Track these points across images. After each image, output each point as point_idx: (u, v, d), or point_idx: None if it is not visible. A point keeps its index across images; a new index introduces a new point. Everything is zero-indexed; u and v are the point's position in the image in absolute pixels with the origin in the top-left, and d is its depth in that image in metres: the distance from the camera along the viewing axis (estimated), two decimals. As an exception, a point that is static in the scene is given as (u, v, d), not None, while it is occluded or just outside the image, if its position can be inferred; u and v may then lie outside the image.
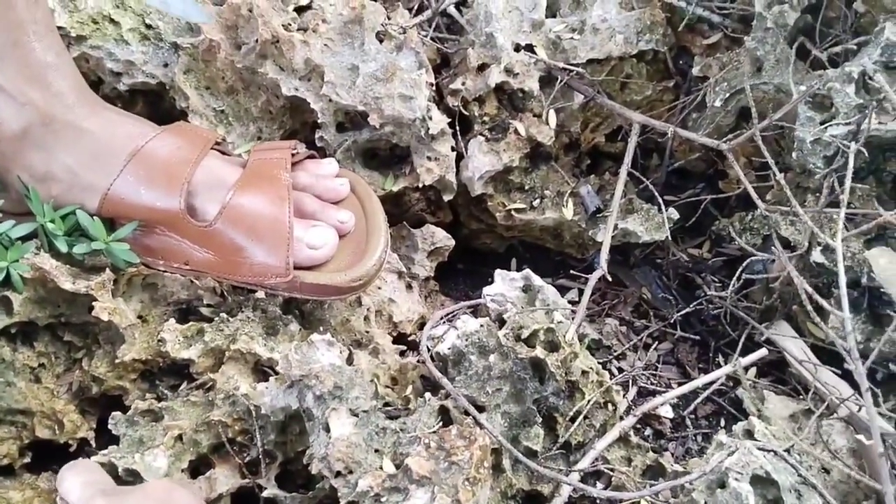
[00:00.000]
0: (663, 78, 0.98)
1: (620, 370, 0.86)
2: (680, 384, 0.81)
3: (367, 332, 0.81)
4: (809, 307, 0.81)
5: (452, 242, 0.92)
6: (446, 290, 0.97)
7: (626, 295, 0.94)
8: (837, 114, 0.80)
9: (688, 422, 0.82)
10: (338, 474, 0.60)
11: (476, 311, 0.82)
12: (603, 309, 0.93)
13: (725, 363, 0.85)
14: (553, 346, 0.71)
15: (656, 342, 0.90)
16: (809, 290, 0.62)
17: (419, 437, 0.61)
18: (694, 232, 0.99)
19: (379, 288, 0.86)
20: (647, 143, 0.98)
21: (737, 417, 0.81)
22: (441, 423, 0.66)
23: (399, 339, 0.86)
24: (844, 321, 0.57)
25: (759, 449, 0.63)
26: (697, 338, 0.89)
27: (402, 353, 0.82)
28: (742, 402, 0.82)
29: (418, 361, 0.75)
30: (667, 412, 0.81)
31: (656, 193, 0.87)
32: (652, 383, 0.85)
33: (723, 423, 0.82)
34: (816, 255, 0.79)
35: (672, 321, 0.90)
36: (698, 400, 0.82)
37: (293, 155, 0.79)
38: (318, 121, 0.87)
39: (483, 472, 0.59)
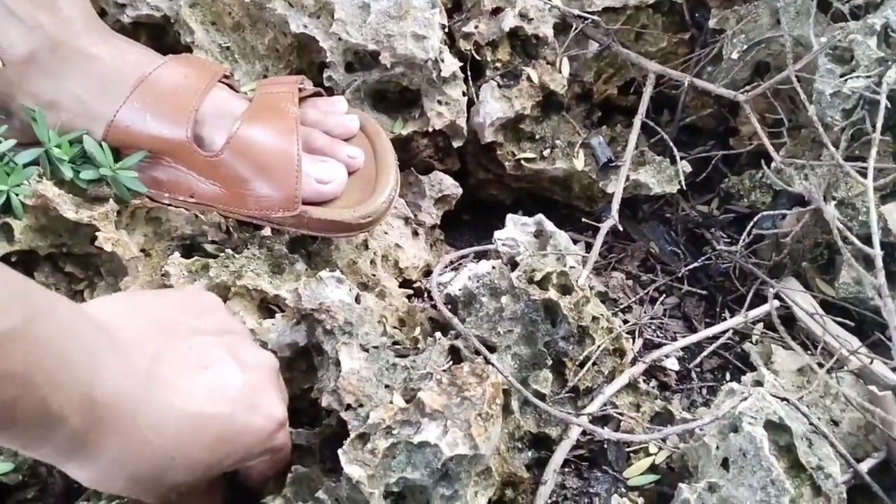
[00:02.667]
0: (679, 30, 0.96)
1: (626, 322, 0.85)
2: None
3: (374, 275, 0.80)
4: (821, 261, 0.81)
5: (460, 190, 0.91)
6: (451, 241, 0.96)
7: (633, 249, 0.93)
8: (858, 66, 0.78)
9: (693, 375, 0.81)
10: (348, 407, 0.59)
11: (484, 259, 0.81)
12: (609, 262, 0.92)
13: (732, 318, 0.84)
14: (566, 290, 0.70)
15: (663, 296, 0.89)
16: (841, 227, 0.61)
17: (431, 374, 0.60)
18: (703, 189, 0.97)
19: (385, 233, 0.85)
20: (658, 97, 0.96)
21: (742, 371, 0.80)
22: (451, 363, 0.65)
23: (404, 285, 0.85)
24: (876, 258, 0.56)
25: (773, 396, 0.62)
26: (705, 293, 0.89)
27: (408, 298, 0.81)
28: (748, 356, 0.81)
29: (428, 298, 0.74)
30: (672, 365, 0.81)
31: (671, 144, 0.86)
32: (658, 336, 0.84)
33: (728, 377, 0.82)
34: (831, 210, 0.78)
35: (679, 275, 0.89)
36: (704, 353, 0.82)
37: (300, 90, 0.77)
38: (327, 60, 0.85)
39: (495, 408, 0.58)
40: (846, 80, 0.79)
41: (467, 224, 0.99)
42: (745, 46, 0.88)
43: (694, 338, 0.79)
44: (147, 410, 0.49)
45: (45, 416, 0.44)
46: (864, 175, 0.70)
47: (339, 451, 0.56)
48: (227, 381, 0.54)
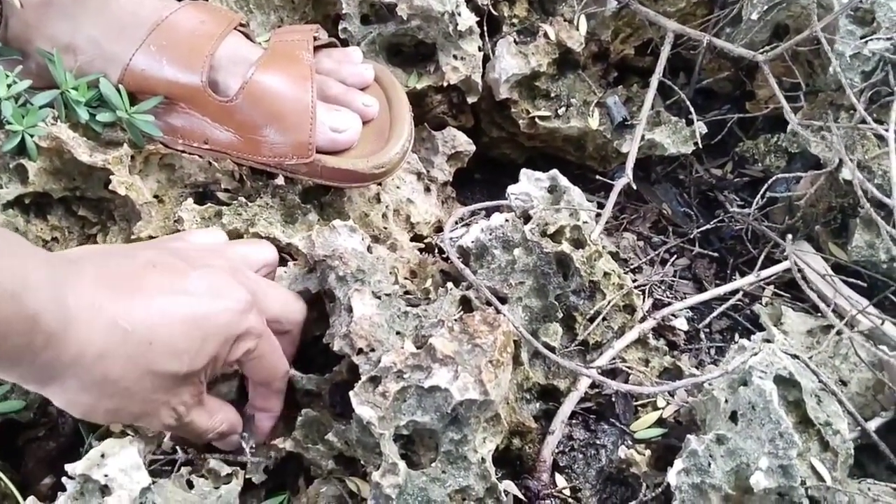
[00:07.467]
0: (698, -10, 0.95)
1: (635, 282, 0.85)
2: (697, 299, 0.81)
3: (385, 228, 0.80)
4: (834, 225, 0.81)
5: (473, 147, 0.90)
6: (462, 199, 0.96)
7: (646, 210, 0.93)
8: (879, 28, 0.78)
9: (702, 335, 0.81)
10: (359, 351, 0.60)
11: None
12: (621, 223, 0.92)
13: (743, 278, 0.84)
14: (579, 244, 0.70)
15: (674, 257, 0.89)
16: (860, 177, 0.60)
17: (442, 321, 0.60)
18: (717, 152, 0.97)
19: (398, 187, 0.85)
20: (675, 60, 0.95)
21: (751, 333, 0.80)
22: (462, 313, 0.65)
23: (415, 240, 0.85)
24: (894, 209, 0.56)
25: (783, 352, 0.62)
26: (716, 255, 0.89)
27: (420, 251, 0.81)
28: (757, 318, 0.81)
29: (438, 254, 0.74)
30: (681, 324, 0.81)
31: (688, 103, 0.85)
32: (668, 296, 0.84)
33: (736, 338, 0.82)
34: (846, 173, 0.78)
35: (691, 237, 0.89)
36: (714, 314, 0.82)
37: (315, 39, 0.76)
38: (342, 12, 0.84)
39: (506, 356, 0.58)
40: (867, 41, 0.78)
41: (479, 182, 0.99)
42: (765, 7, 0.87)
43: (705, 296, 0.79)
44: (115, 303, 0.51)
45: (20, 318, 0.45)
46: (881, 138, 0.70)
47: (351, 393, 0.56)
48: (179, 276, 0.55)
